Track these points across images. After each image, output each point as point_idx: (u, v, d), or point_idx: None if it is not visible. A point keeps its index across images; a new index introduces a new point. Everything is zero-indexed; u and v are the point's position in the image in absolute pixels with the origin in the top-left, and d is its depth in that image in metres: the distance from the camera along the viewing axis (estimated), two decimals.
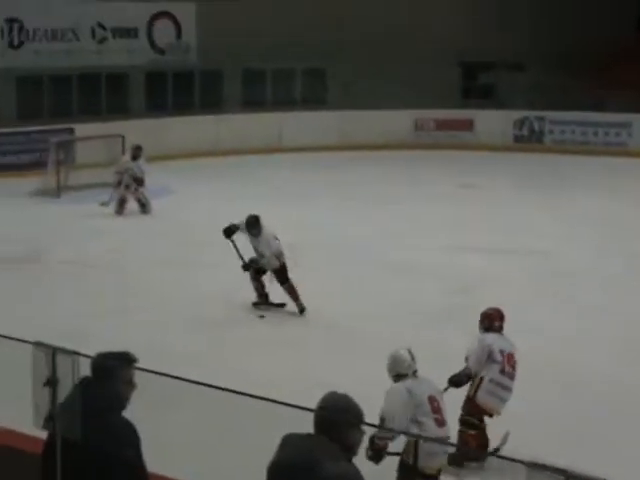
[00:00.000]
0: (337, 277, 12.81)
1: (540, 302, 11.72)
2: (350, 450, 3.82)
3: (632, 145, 26.48)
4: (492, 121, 28.12)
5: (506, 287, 12.07)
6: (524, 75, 29.62)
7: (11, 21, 24.65)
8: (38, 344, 4.27)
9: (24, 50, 24.90)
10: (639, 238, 15.45)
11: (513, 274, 12.98)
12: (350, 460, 3.81)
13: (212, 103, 27.37)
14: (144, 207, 18.03)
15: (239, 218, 11.67)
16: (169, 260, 13.92)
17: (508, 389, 7.53)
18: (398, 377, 6.51)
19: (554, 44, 29.10)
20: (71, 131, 23.32)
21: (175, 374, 4.00)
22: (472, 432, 7.40)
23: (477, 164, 24.67)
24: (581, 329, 10.64)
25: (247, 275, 11.39)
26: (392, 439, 6.32)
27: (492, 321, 7.84)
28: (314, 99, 28.75)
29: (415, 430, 6.24)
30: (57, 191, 19.75)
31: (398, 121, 27.92)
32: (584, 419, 8.05)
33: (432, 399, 6.42)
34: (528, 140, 28.19)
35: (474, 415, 7.47)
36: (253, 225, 11.33)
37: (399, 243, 14.92)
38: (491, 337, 7.68)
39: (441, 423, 6.39)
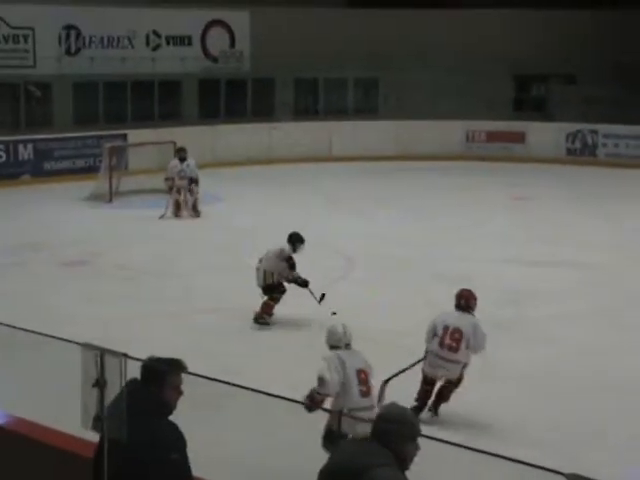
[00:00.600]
0: (389, 288, 12.78)
1: (590, 316, 11.59)
2: (403, 461, 3.90)
3: None
4: (544, 133, 27.93)
5: (557, 300, 11.97)
6: (576, 88, 29.41)
7: (68, 28, 25.00)
8: (87, 345, 4.31)
9: (80, 57, 25.23)
10: None
11: (564, 286, 12.84)
12: (403, 472, 3.87)
13: (264, 111, 27.53)
14: (196, 210, 18.16)
15: (289, 225, 11.67)
16: (220, 265, 14.00)
17: (445, 359, 8.31)
18: (332, 348, 7.34)
19: (607, 56, 28.86)
20: (124, 137, 23.58)
21: (225, 379, 4.02)
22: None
23: (529, 176, 24.50)
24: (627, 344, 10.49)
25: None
26: (327, 397, 7.13)
27: (458, 299, 8.59)
28: (367, 109, 28.83)
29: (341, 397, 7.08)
30: (109, 196, 19.96)
31: (450, 132, 27.86)
32: None
33: (360, 371, 7.15)
34: (581, 153, 27.94)
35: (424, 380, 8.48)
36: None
37: (451, 255, 14.86)
38: (443, 315, 8.52)
39: (365, 394, 7.12)
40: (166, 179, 18.27)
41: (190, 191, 18.18)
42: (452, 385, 8.41)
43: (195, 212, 18.20)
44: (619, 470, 7.01)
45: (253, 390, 3.90)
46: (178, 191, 18.12)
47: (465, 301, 8.53)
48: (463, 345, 8.28)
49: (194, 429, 4.39)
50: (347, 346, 7.32)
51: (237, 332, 10.89)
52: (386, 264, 14.20)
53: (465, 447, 3.78)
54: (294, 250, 11.17)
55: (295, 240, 11.22)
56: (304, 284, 11.13)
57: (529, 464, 3.31)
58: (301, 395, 6.81)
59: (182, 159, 18.26)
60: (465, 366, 8.38)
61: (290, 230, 11.40)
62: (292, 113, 27.92)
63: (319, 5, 27.97)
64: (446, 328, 8.36)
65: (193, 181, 18.16)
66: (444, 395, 8.44)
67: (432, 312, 8.74)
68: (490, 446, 3.89)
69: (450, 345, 8.29)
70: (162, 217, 17.78)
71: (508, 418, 8.23)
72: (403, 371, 8.19)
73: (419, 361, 8.40)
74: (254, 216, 17.93)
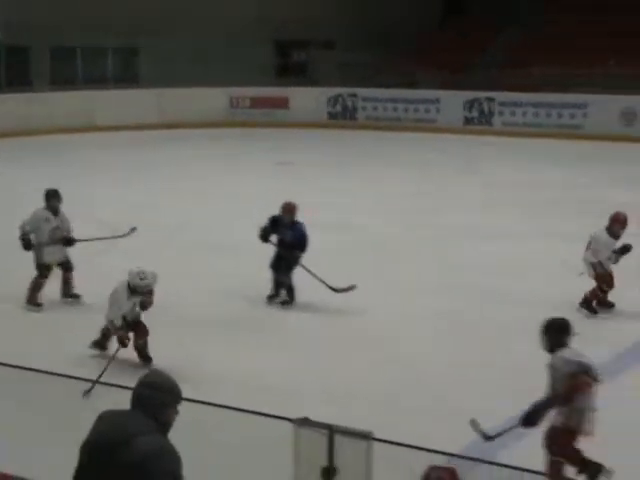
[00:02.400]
0: (157, 255, 12.63)
1: (360, 274, 11.88)
2: (165, 426, 3.89)
3: (441, 121, 27.35)
4: (306, 98, 28.48)
5: (327, 261, 12.14)
6: (336, 53, 30.11)
7: None
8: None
9: None
10: (448, 211, 15.98)
11: (330, 248, 13.09)
12: (165, 435, 3.86)
13: (19, 81, 26.48)
14: None
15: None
16: None
17: None
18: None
19: (366, 23, 29.71)
20: None
21: None
22: None
23: (293, 141, 24.91)
24: (399, 302, 10.85)
25: None
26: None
27: None
28: (128, 77, 28.34)
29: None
30: None
31: (214, 99, 27.87)
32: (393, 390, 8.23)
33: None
34: (342, 117, 28.70)
35: None
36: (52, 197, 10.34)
37: (220, 222, 14.87)
38: None
39: None
40: None
41: None
42: None
43: None
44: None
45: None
46: None
47: None
48: None
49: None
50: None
51: None
52: (151, 232, 14.07)
53: None
54: (50, 207, 10.40)
55: (50, 196, 10.50)
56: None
57: (260, 413, 3.38)
58: None
59: None
60: None
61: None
62: (49, 83, 27.02)
63: None
64: None
65: None
66: None
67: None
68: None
69: None
70: None
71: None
72: None
73: None
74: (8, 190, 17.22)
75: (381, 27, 30.00)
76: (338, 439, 3.51)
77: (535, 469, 3.67)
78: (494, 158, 22.61)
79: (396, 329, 9.48)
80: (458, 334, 9.41)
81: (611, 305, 10.23)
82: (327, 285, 10.17)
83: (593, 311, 10.12)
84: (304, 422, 3.42)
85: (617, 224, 10.15)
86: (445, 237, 14.07)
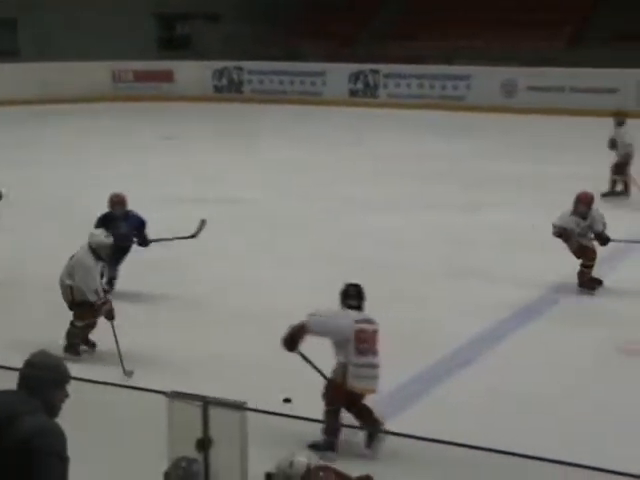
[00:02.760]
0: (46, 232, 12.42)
1: (252, 249, 11.89)
2: (52, 408, 3.84)
3: (326, 93, 27.45)
4: (191, 72, 28.23)
5: (219, 236, 12.05)
6: (220, 26, 29.86)
7: None
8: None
9: None
10: (337, 184, 16.09)
11: (223, 222, 12.96)
12: (52, 417, 3.82)
13: None
14: None
15: None
16: None
17: None
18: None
19: None
20: None
21: None
22: None
23: (178, 115, 24.68)
24: (292, 275, 10.89)
25: None
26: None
27: None
28: (7, 51, 27.56)
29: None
30: None
31: (96, 73, 27.36)
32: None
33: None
34: (228, 90, 28.55)
35: None
36: None
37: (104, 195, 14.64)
38: None
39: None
40: None
41: None
42: None
43: None
44: None
45: None
46: None
47: None
48: None
49: None
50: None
51: None
52: (39, 206, 13.91)
53: None
54: None
55: None
56: None
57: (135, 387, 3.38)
58: None
59: None
60: None
61: None
62: None
63: None
64: None
65: None
66: None
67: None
68: None
69: None
70: None
71: None
72: None
73: None
74: None
75: None
76: (213, 410, 3.52)
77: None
78: (380, 130, 22.82)
79: (288, 302, 9.45)
80: None
81: (600, 282, 10.25)
82: (184, 237, 10.19)
83: (592, 287, 10.13)
84: (177, 395, 3.42)
85: (582, 204, 10.10)
86: (335, 209, 14.20)
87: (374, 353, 6.32)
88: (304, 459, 4.72)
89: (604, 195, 14.34)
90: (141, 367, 7.55)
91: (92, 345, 8.16)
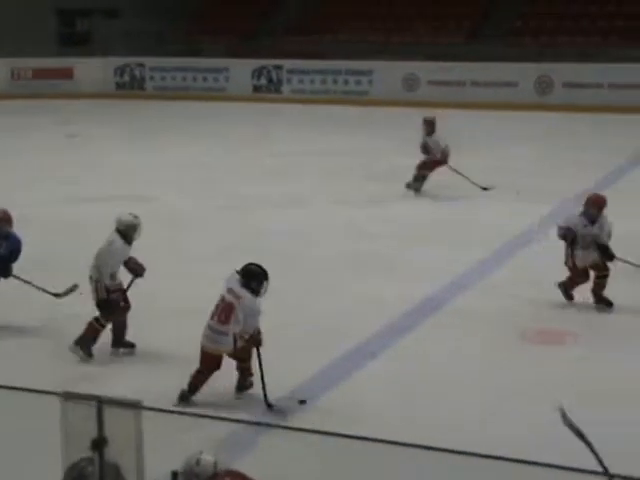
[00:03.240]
0: None
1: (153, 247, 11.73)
2: None
3: (230, 89, 27.32)
4: (92, 69, 27.79)
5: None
6: (121, 22, 29.44)
7: None
8: None
9: None
10: (240, 181, 16.03)
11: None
12: None
13: None
14: None
15: None
16: None
17: None
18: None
19: None
20: None
21: None
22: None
23: (80, 113, 24.29)
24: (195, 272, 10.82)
25: None
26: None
27: None
28: None
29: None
30: None
31: None
32: None
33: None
34: (130, 87, 28.20)
35: None
36: None
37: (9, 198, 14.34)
38: None
39: None
40: None
41: None
42: None
43: None
44: None
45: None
46: None
47: None
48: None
49: None
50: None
51: None
52: None
53: None
54: None
55: None
56: None
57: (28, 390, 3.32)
58: None
59: None
60: None
61: None
62: None
63: None
64: None
65: None
66: None
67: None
68: None
69: None
70: None
71: None
72: None
73: None
74: None
75: None
76: (108, 410, 3.48)
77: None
78: (284, 125, 22.81)
79: (188, 300, 9.41)
80: None
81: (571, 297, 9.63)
82: (48, 292, 9.25)
83: (609, 303, 9.42)
84: (70, 395, 3.36)
85: (593, 207, 9.42)
86: (239, 206, 14.17)
87: (220, 320, 7.07)
88: (211, 457, 4.70)
89: (409, 186, 14.67)
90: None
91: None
